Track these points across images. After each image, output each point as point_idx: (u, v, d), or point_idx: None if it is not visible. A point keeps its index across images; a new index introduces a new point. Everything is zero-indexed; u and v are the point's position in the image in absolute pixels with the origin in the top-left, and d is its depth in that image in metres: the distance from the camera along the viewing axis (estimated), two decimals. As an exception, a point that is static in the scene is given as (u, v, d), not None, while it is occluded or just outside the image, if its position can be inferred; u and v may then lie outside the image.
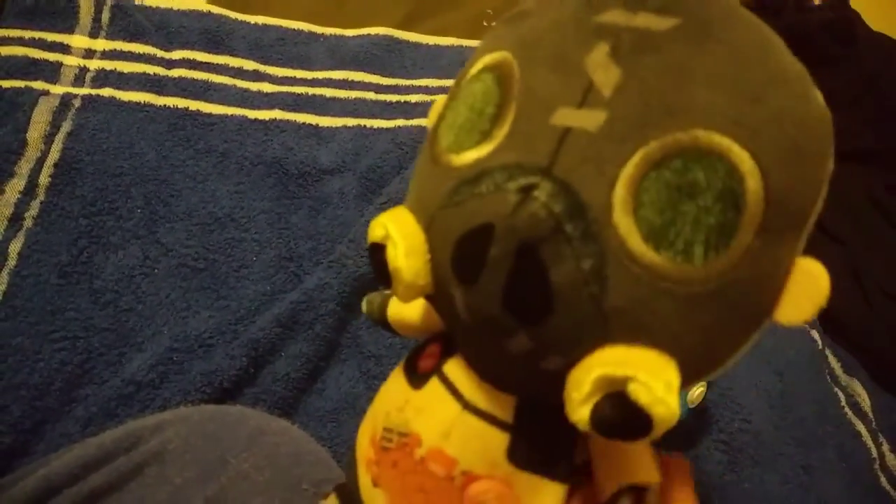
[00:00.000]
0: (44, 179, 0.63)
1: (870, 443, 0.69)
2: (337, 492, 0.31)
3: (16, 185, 0.62)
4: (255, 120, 0.75)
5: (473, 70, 0.25)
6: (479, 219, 0.21)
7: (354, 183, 0.73)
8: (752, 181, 0.19)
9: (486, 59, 0.24)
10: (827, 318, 0.79)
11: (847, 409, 0.71)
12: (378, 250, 0.24)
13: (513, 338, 0.22)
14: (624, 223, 0.20)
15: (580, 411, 0.20)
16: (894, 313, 0.80)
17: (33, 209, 0.61)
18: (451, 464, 0.25)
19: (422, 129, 0.79)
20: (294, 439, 0.44)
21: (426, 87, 0.86)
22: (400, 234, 0.23)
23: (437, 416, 0.26)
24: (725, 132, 0.19)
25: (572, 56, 0.22)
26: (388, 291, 0.32)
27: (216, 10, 0.83)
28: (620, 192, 0.20)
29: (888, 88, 1.08)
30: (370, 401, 0.63)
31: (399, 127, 0.79)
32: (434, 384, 0.27)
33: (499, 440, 0.25)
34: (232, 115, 0.74)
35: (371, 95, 0.82)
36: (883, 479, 0.67)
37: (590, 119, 0.21)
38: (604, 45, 0.21)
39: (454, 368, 0.26)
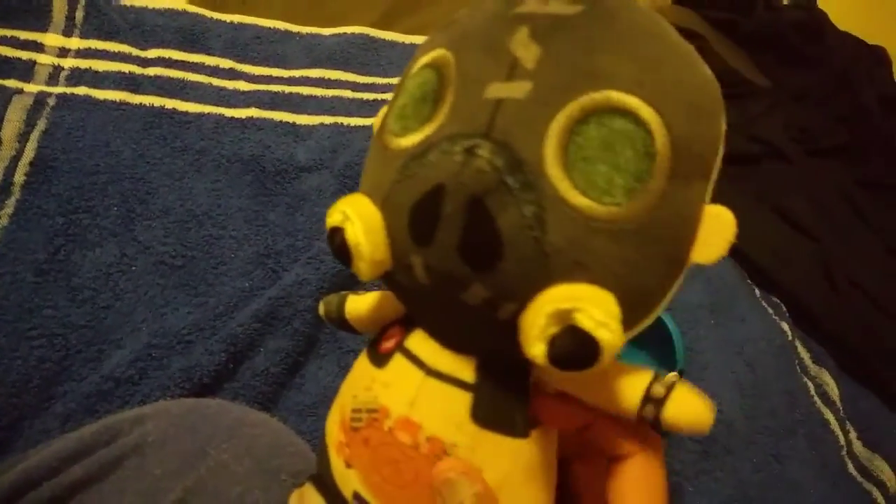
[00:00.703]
0: (19, 178, 0.62)
1: (838, 431, 0.70)
2: (312, 480, 0.32)
3: (-10, 184, 0.61)
4: (232, 118, 0.75)
5: (414, 68, 0.28)
6: (431, 183, 0.24)
7: (332, 180, 0.73)
8: (660, 133, 0.23)
9: (424, 59, 0.27)
10: (797, 310, 0.81)
11: (816, 399, 0.73)
12: (337, 233, 0.26)
13: (469, 289, 0.24)
14: (556, 173, 0.23)
15: (536, 347, 0.22)
16: (862, 304, 0.82)
17: (9, 207, 0.61)
18: (416, 430, 0.26)
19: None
20: (273, 431, 0.44)
21: (403, 85, 0.86)
22: (357, 214, 0.26)
23: (402, 386, 0.27)
24: (633, 93, 0.23)
25: (498, 40, 0.25)
26: (344, 292, 0.36)
27: (192, 8, 0.83)
28: (550, 147, 0.23)
29: (858, 86, 1.10)
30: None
31: (376, 125, 0.80)
32: (398, 359, 0.28)
33: (462, 401, 0.26)
34: (209, 114, 0.74)
35: (348, 94, 0.83)
36: (850, 466, 0.68)
37: (518, 89, 0.24)
38: (524, 29, 0.24)
39: (415, 341, 0.28)
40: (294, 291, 0.61)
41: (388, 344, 0.29)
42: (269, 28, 0.86)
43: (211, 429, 0.42)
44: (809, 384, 0.74)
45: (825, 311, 0.81)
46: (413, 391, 0.27)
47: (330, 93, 0.82)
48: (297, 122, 0.78)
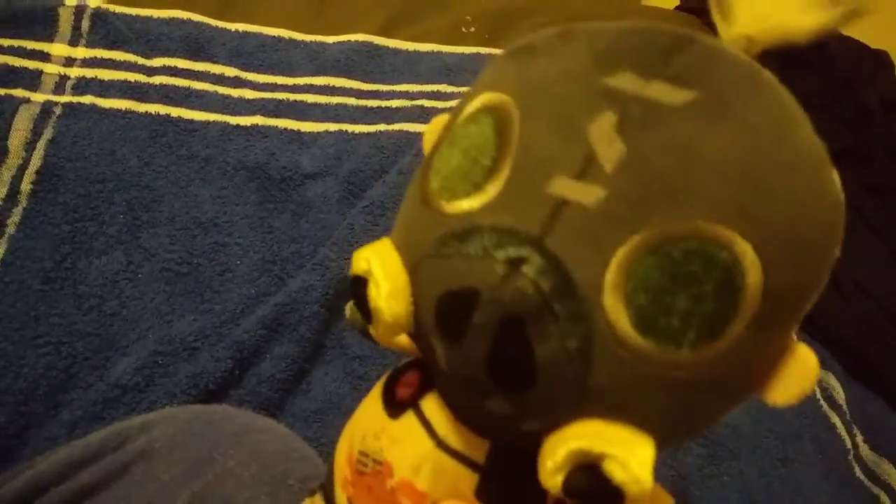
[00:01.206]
0: (25, 186, 0.63)
1: (844, 434, 0.70)
2: (322, 492, 0.32)
3: (-3, 193, 0.62)
4: (237, 126, 0.75)
5: (471, 107, 0.24)
6: (465, 281, 0.20)
7: (336, 187, 0.74)
8: (753, 275, 0.19)
9: (486, 98, 0.23)
10: (802, 314, 0.81)
11: (822, 402, 0.72)
12: (360, 284, 0.23)
13: (492, 399, 0.22)
14: (613, 306, 0.19)
15: (553, 479, 0.20)
16: (868, 308, 0.82)
17: (15, 216, 0.61)
18: (421, 498, 0.25)
19: (403, 133, 0.80)
20: (280, 437, 0.44)
21: (406, 92, 0.87)
22: (383, 272, 0.23)
23: (409, 449, 0.26)
24: (729, 224, 0.19)
25: (576, 119, 0.20)
26: None
27: (196, 17, 0.83)
28: (613, 275, 0.19)
29: (860, 90, 1.10)
30: (355, 401, 0.62)
31: (380, 131, 0.80)
32: (410, 417, 0.26)
33: (468, 479, 0.25)
34: (214, 122, 0.75)
35: (352, 101, 0.83)
36: (857, 470, 0.68)
37: (588, 193, 0.20)
38: (610, 115, 0.20)
39: (431, 404, 0.26)
40: (300, 298, 0.62)
41: (404, 392, 0.27)
42: (274, 36, 0.86)
43: (218, 435, 0.42)
44: (815, 388, 0.73)
45: (830, 315, 0.80)
46: (420, 458, 0.25)
47: (334, 100, 0.82)
48: (302, 130, 0.78)
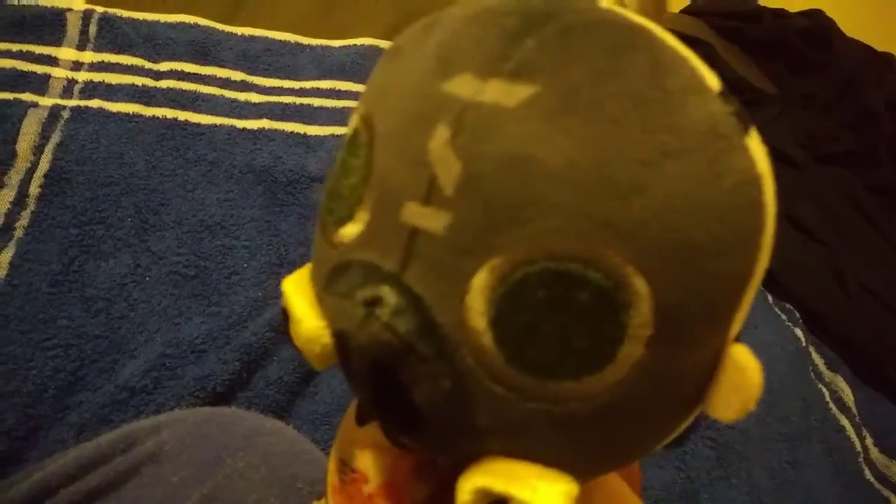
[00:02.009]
0: (34, 190, 0.63)
1: (854, 437, 0.70)
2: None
3: (6, 196, 0.62)
4: (244, 129, 0.76)
5: (351, 121, 0.21)
6: (337, 324, 0.19)
7: (343, 190, 0.74)
8: (635, 290, 0.16)
9: (359, 111, 0.21)
10: (809, 315, 0.81)
11: (831, 405, 0.72)
12: (285, 317, 0.22)
13: (399, 436, 0.21)
14: (480, 341, 0.17)
15: None
16: (874, 310, 0.82)
17: (24, 219, 0.61)
18: (400, 498, 0.25)
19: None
20: (289, 439, 0.44)
21: (412, 95, 0.87)
22: (299, 312, 0.21)
23: (377, 458, 0.25)
24: (591, 238, 0.16)
25: (416, 138, 0.18)
26: None
27: (203, 21, 0.84)
28: (474, 306, 0.17)
29: (865, 92, 1.10)
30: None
31: (386, 135, 0.80)
32: (375, 426, 0.25)
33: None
34: (221, 125, 0.75)
35: (358, 104, 0.83)
36: (867, 473, 0.68)
37: (435, 220, 0.17)
38: (444, 129, 0.17)
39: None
40: (307, 300, 0.62)
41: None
42: (280, 40, 0.86)
43: (226, 437, 0.42)
44: (824, 390, 0.73)
45: (837, 317, 0.80)
46: (387, 467, 0.25)
47: (340, 104, 0.82)
48: (308, 133, 0.78)
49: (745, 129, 0.17)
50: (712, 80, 0.17)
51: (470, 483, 0.18)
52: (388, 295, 0.18)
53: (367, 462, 0.25)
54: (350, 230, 0.20)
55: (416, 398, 0.18)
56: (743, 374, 0.18)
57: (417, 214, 0.17)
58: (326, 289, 0.20)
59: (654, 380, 0.17)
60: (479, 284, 0.17)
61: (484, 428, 0.18)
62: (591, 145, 0.16)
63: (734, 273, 0.17)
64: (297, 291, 0.21)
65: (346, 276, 0.19)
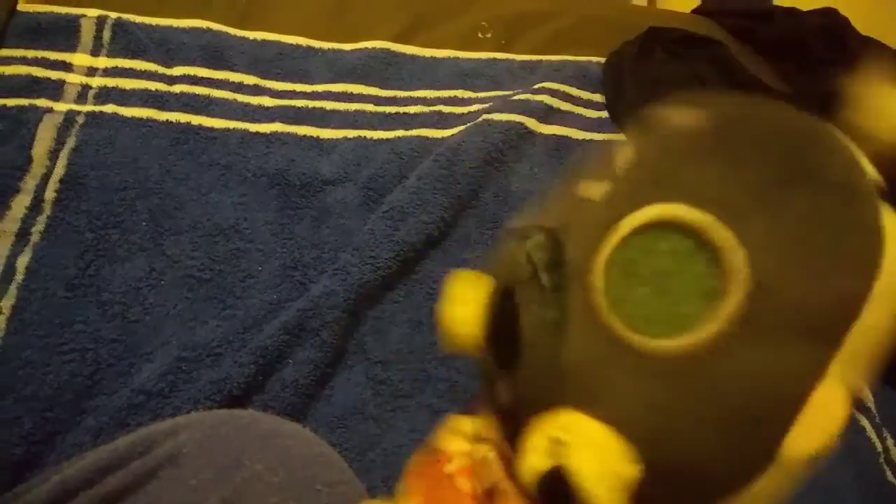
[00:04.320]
0: (49, 195, 0.63)
1: (874, 437, 0.69)
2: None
3: (22, 201, 0.62)
4: (257, 133, 0.76)
5: None
6: (499, 266, 0.23)
7: (356, 193, 0.74)
8: (735, 267, 0.18)
9: None
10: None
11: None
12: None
13: (497, 384, 0.23)
14: (596, 284, 0.20)
15: (527, 476, 0.20)
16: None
17: (40, 224, 0.62)
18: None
19: (421, 139, 0.80)
20: (306, 441, 0.44)
21: (424, 98, 0.87)
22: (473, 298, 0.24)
23: (458, 442, 0.27)
24: (709, 209, 0.19)
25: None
26: None
27: (215, 26, 0.84)
28: (602, 255, 0.20)
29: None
30: (378, 407, 0.62)
31: (398, 137, 0.80)
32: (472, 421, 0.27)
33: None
34: (234, 129, 0.75)
35: (370, 107, 0.83)
36: (889, 473, 0.67)
37: (599, 189, 0.22)
38: (633, 132, 0.23)
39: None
40: (322, 303, 0.61)
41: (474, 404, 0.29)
42: (292, 44, 0.87)
43: (245, 440, 0.42)
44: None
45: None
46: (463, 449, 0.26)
47: (352, 107, 0.82)
48: (321, 137, 0.78)
49: None
50: None
51: (539, 431, 0.20)
52: (538, 234, 0.22)
53: (455, 445, 0.26)
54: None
55: (522, 322, 0.21)
56: (823, 408, 0.20)
57: (589, 187, 0.22)
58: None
59: (737, 367, 0.19)
60: (615, 235, 0.20)
61: (568, 365, 0.20)
62: (736, 144, 0.21)
63: (845, 289, 0.20)
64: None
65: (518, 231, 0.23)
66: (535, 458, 0.19)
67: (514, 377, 0.21)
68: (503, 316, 0.21)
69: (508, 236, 0.23)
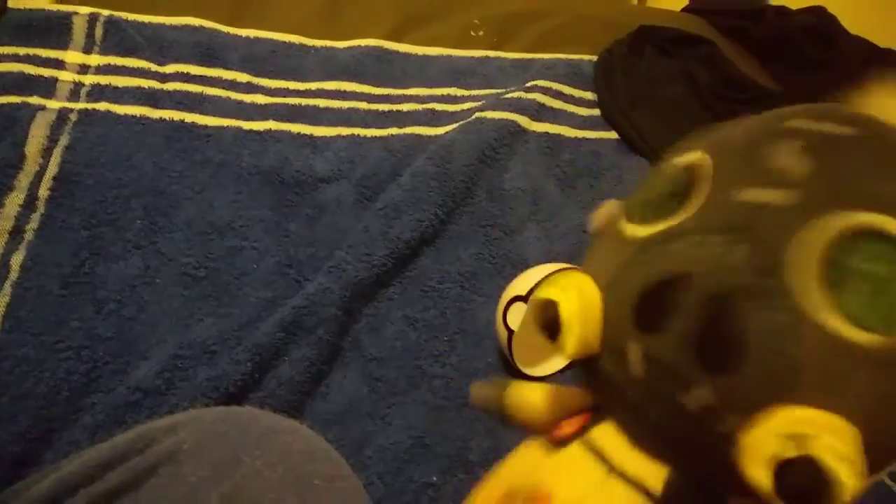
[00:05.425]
0: (43, 192, 0.63)
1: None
2: None
3: (16, 199, 0.62)
4: (251, 131, 0.76)
5: (668, 166, 0.27)
6: (672, 271, 0.23)
7: (350, 190, 0.74)
8: None
9: (680, 159, 0.27)
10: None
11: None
12: (550, 306, 0.25)
13: (692, 391, 0.22)
14: (815, 286, 0.21)
15: (759, 470, 0.20)
16: None
17: (34, 222, 0.61)
18: None
19: (414, 136, 0.80)
20: (305, 437, 0.44)
21: (417, 95, 0.87)
22: (576, 288, 0.25)
23: (576, 477, 0.26)
24: None
25: (762, 149, 0.24)
26: (499, 380, 0.33)
27: (208, 24, 0.84)
28: (812, 258, 0.21)
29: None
30: (374, 404, 0.63)
31: (392, 135, 0.80)
32: (576, 448, 0.27)
33: None
34: (227, 127, 0.75)
35: (363, 105, 0.84)
36: (887, 480, 0.68)
37: (781, 196, 0.22)
38: (797, 142, 0.24)
39: (602, 434, 0.27)
40: (317, 300, 0.62)
41: (567, 430, 0.28)
42: (285, 42, 0.87)
43: (244, 436, 0.42)
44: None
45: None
46: (587, 486, 0.25)
47: (346, 104, 0.83)
48: (315, 134, 0.78)
49: None
50: None
51: (774, 428, 0.20)
52: (744, 239, 0.22)
53: (560, 484, 0.26)
54: (669, 222, 0.25)
55: (750, 328, 0.21)
56: None
57: (760, 194, 0.23)
58: (637, 256, 0.25)
59: None
60: (822, 238, 0.21)
61: (807, 367, 0.20)
62: None
63: None
64: (570, 278, 0.26)
65: (681, 239, 0.24)
66: (774, 448, 0.20)
67: (720, 381, 0.22)
68: (722, 321, 0.21)
69: (691, 245, 0.23)
